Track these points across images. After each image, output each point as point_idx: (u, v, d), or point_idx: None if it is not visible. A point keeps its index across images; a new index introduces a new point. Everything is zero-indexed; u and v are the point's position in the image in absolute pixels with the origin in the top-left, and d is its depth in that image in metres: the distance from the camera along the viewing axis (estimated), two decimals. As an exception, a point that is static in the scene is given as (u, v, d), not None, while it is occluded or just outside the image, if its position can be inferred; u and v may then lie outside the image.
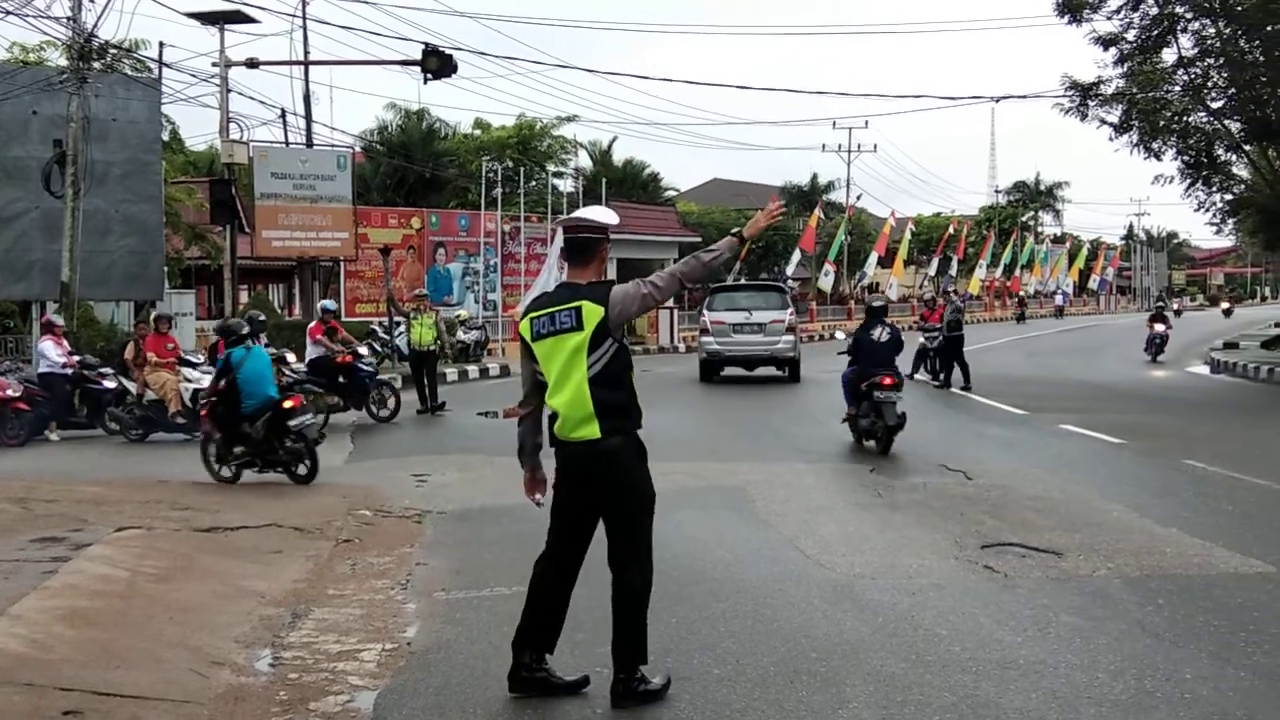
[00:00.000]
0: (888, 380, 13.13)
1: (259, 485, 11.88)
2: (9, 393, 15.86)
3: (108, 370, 17.09)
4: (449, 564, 8.33)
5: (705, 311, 25.23)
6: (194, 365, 16.28)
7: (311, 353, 17.58)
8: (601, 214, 5.43)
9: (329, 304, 19.73)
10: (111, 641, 6.14)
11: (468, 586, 7.60)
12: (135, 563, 7.95)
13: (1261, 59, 23.81)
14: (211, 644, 6.28)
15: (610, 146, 54.05)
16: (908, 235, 66.22)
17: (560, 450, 5.25)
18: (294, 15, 30.19)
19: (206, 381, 14.90)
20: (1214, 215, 29.01)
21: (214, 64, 25.44)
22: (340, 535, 9.28)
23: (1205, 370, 29.47)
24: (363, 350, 18.42)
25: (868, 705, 5.28)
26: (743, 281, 38.72)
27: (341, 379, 17.30)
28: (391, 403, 18.09)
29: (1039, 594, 7.18)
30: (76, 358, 17.09)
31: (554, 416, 5.22)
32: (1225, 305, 71.38)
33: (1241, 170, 28.08)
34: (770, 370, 24.69)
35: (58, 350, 16.96)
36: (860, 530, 9.28)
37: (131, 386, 16.54)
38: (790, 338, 24.31)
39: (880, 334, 13.81)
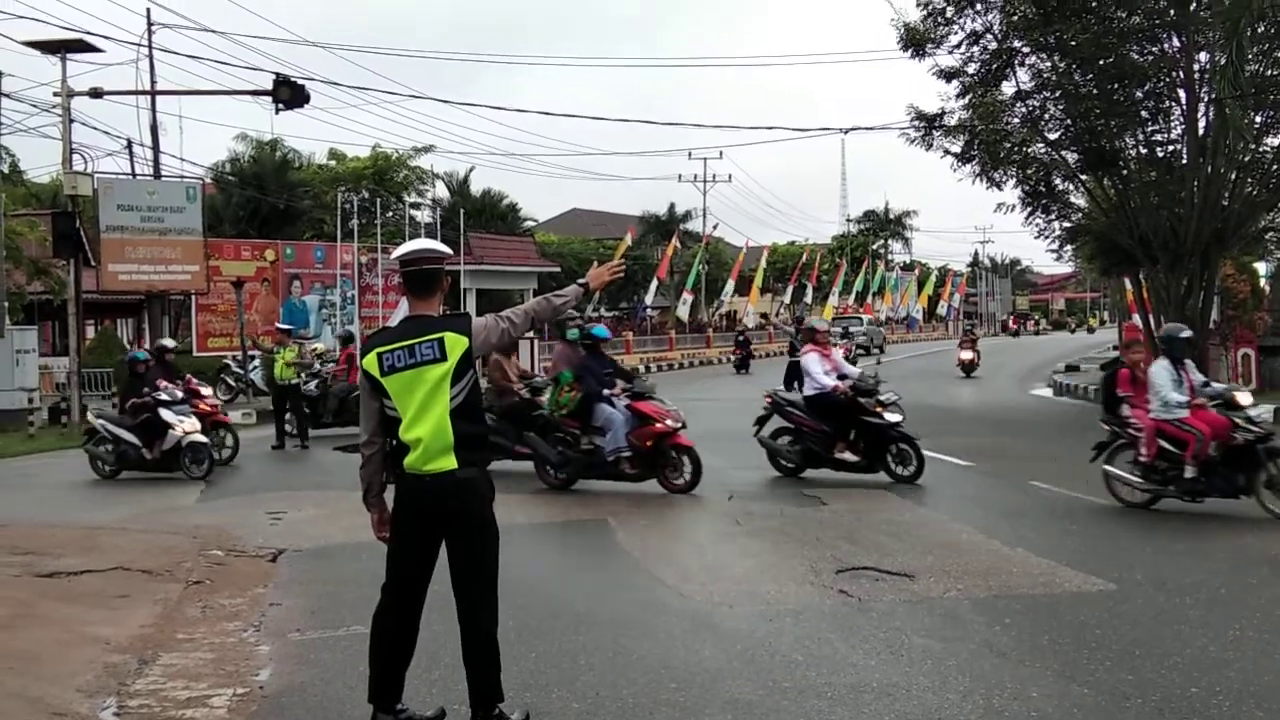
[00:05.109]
0: None
1: (111, 528, 11.52)
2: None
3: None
4: (304, 603, 8.16)
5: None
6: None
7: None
8: (436, 245, 5.43)
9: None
10: (-55, 696, 5.88)
11: (323, 626, 7.46)
12: (-29, 612, 7.63)
13: (1095, 92, 24.74)
14: (53, 694, 6.05)
15: (467, 177, 53.99)
16: (763, 263, 67.37)
17: (411, 484, 5.12)
18: (139, 44, 29.56)
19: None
20: (1053, 242, 29.96)
21: (55, 94, 24.78)
22: (191, 577, 9.03)
23: (1049, 393, 30.47)
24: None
25: (726, 733, 5.32)
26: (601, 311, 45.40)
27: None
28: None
29: (892, 617, 7.34)
30: (848, 381, 13.55)
31: (403, 450, 5.11)
32: (967, 356, 37.24)
33: (1078, 199, 29.05)
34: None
35: (823, 365, 13.73)
36: (719, 559, 9.37)
37: None
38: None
39: None
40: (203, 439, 15.43)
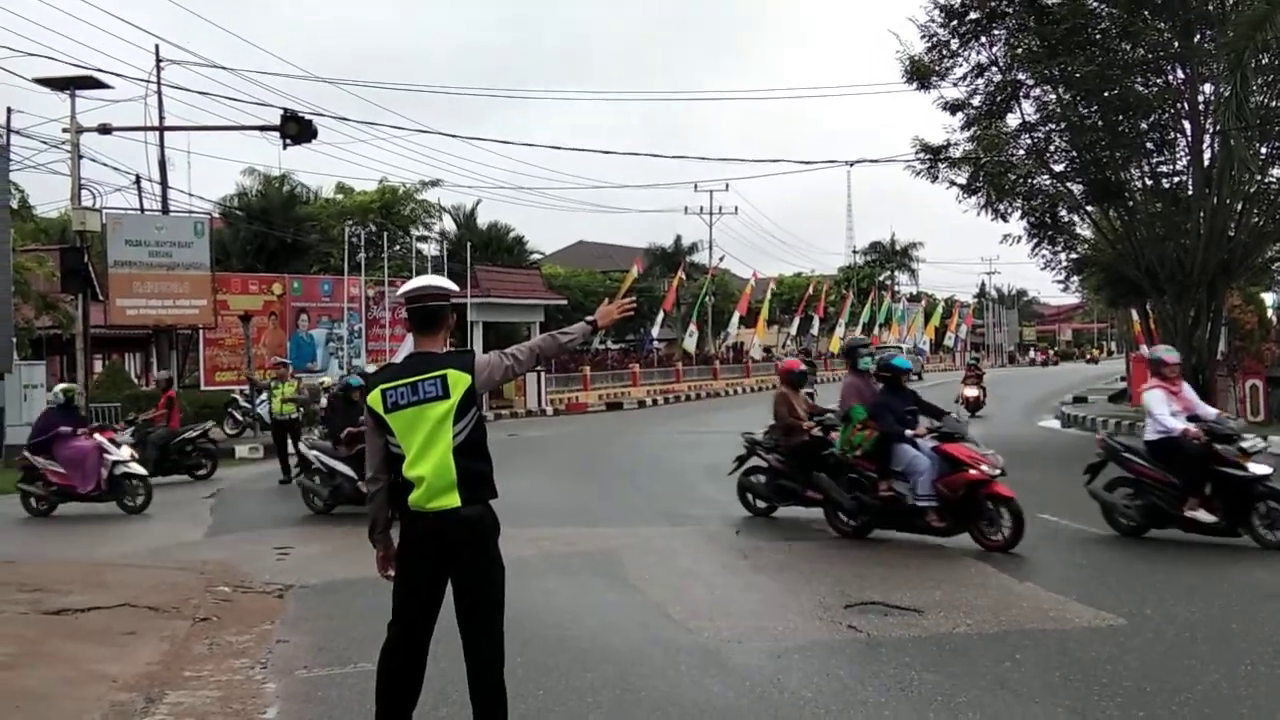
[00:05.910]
0: None
1: (118, 564, 11.50)
2: None
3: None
4: (312, 640, 8.13)
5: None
6: None
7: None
8: (442, 281, 5.43)
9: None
10: (-49, 735, 5.87)
11: (330, 663, 7.43)
12: (-22, 650, 7.62)
13: (1100, 124, 24.81)
14: (60, 734, 6.04)
15: (474, 210, 54.08)
16: (769, 295, 67.48)
17: (416, 521, 5.10)
18: (148, 81, 29.71)
19: None
20: (1060, 273, 29.98)
21: (65, 130, 24.91)
22: (197, 613, 9.01)
23: (1056, 425, 30.37)
24: None
25: (735, 772, 5.29)
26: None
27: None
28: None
29: (901, 652, 7.30)
30: (1202, 425, 11.16)
31: (408, 487, 5.09)
32: (972, 393, 32.69)
33: (1084, 230, 29.11)
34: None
35: (1169, 405, 11.31)
36: (727, 594, 9.33)
37: None
38: None
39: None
40: None
